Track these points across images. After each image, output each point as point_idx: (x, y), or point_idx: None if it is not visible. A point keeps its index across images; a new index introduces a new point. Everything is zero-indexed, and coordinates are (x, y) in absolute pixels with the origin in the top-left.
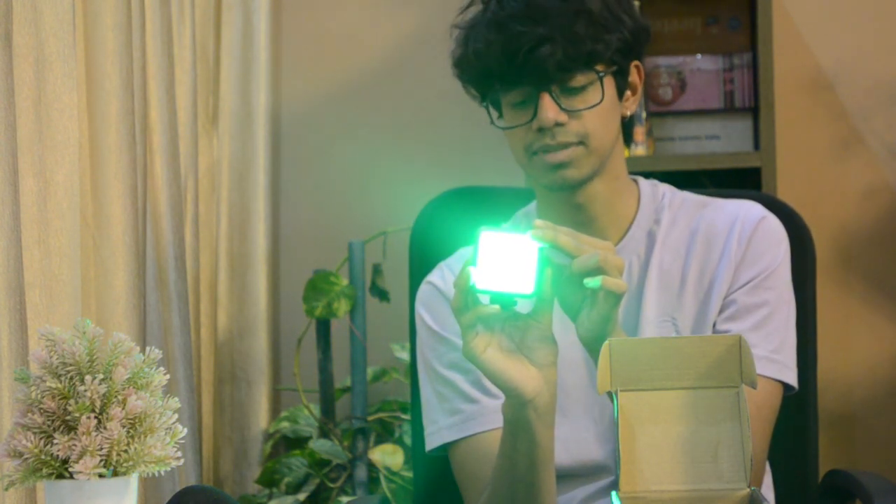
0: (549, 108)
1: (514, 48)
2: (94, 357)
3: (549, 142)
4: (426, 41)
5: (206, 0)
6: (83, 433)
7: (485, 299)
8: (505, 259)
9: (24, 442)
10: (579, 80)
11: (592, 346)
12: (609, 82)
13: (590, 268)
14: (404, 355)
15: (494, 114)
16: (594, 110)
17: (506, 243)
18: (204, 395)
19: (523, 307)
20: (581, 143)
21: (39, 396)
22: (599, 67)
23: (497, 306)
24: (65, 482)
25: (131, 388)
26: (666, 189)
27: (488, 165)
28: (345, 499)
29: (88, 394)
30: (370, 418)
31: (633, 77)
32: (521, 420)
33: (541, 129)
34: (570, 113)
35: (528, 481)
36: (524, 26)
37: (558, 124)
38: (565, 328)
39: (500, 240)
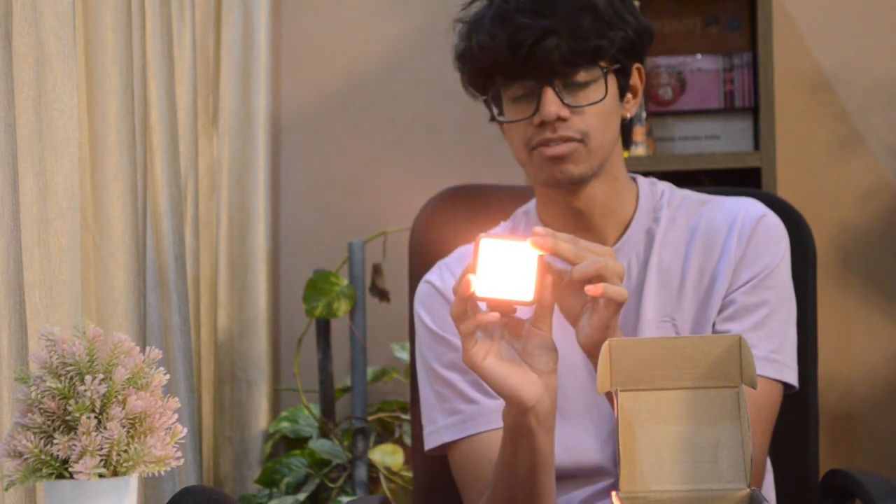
0: (551, 103)
1: (518, 40)
2: (94, 357)
3: (550, 135)
4: (426, 41)
5: (206, 0)
6: (83, 433)
7: (484, 306)
8: (504, 266)
9: (24, 442)
10: (582, 76)
11: (592, 352)
12: (612, 81)
13: (590, 275)
14: (404, 355)
15: (495, 110)
16: (596, 108)
17: (505, 250)
18: (204, 395)
19: (523, 314)
20: (581, 140)
21: (39, 396)
22: (603, 64)
23: (497, 314)
24: (65, 482)
25: (131, 388)
26: (665, 187)
27: (487, 166)
28: (345, 499)
29: (88, 394)
30: (370, 418)
31: (635, 79)
32: (522, 427)
33: (542, 124)
34: (573, 109)
35: (529, 486)
36: (529, 19)
37: (560, 119)
38: (565, 330)
39: (499, 247)
